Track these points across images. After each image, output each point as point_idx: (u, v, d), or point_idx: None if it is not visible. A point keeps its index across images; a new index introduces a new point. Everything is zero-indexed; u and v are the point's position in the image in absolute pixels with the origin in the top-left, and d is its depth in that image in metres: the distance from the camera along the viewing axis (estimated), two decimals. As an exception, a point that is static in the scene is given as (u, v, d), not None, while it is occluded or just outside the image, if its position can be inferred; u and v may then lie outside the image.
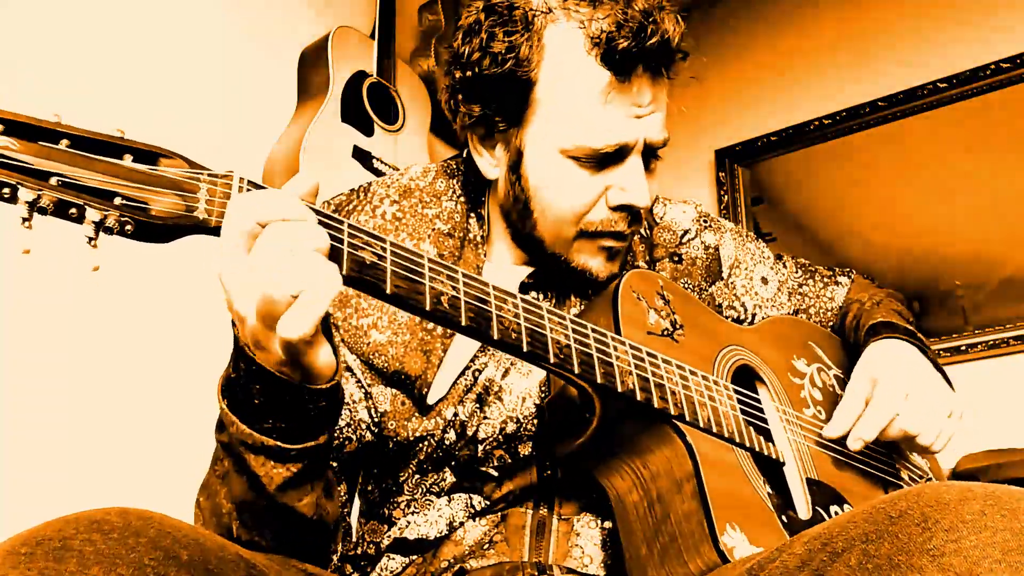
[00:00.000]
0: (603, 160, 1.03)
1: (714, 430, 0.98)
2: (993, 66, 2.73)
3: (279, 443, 0.77)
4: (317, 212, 0.76)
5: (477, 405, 1.03)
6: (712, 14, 3.29)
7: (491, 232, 1.15)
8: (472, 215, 1.15)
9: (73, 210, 0.66)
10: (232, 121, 2.16)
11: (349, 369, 1.06)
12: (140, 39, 1.97)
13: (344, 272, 0.75)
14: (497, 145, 1.09)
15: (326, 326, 0.78)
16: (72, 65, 1.78)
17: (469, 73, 1.04)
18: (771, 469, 1.05)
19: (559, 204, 1.05)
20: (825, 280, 1.38)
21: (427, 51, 2.67)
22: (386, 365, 1.04)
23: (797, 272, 1.37)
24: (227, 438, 0.80)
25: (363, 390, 1.05)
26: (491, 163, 1.10)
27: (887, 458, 1.22)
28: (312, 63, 2.34)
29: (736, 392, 1.08)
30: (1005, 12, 2.77)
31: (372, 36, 2.48)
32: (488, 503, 1.02)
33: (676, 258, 1.23)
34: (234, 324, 0.76)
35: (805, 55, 3.12)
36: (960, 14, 2.85)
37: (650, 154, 1.07)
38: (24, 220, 0.65)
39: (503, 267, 1.15)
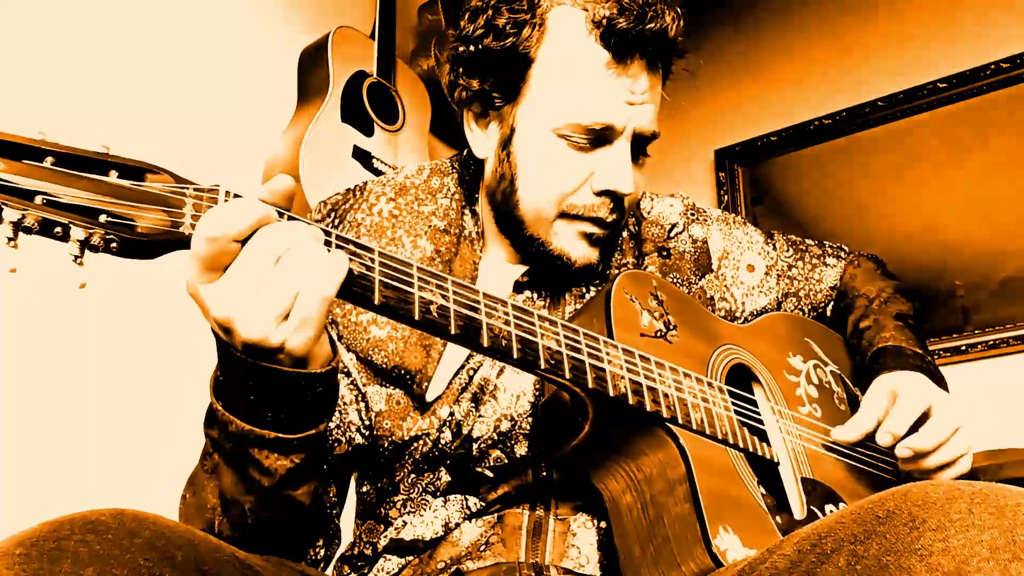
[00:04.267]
0: (591, 140, 1.04)
1: (707, 432, 0.98)
2: (993, 66, 2.72)
3: (279, 434, 0.78)
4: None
5: (472, 404, 1.03)
6: (712, 14, 3.29)
7: (485, 230, 1.16)
8: (466, 211, 1.16)
9: (58, 229, 0.66)
10: (232, 121, 2.16)
11: (343, 371, 1.06)
12: (140, 40, 1.97)
13: None
14: (491, 123, 1.11)
15: None
16: (72, 67, 1.78)
17: (472, 48, 1.07)
18: (767, 469, 1.05)
19: (544, 182, 1.06)
20: (814, 261, 1.37)
21: (427, 51, 2.67)
22: (385, 361, 1.04)
23: (788, 251, 1.36)
24: (217, 432, 0.80)
25: (355, 391, 1.06)
26: (483, 140, 1.12)
27: (882, 455, 1.22)
28: (312, 63, 2.34)
29: (731, 392, 1.08)
30: (1004, 13, 2.77)
31: (372, 36, 2.48)
32: (484, 504, 1.03)
33: (664, 253, 1.23)
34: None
35: (805, 55, 3.12)
36: (960, 14, 2.84)
37: (639, 146, 1.08)
38: (9, 240, 0.65)
39: (498, 265, 1.15)
